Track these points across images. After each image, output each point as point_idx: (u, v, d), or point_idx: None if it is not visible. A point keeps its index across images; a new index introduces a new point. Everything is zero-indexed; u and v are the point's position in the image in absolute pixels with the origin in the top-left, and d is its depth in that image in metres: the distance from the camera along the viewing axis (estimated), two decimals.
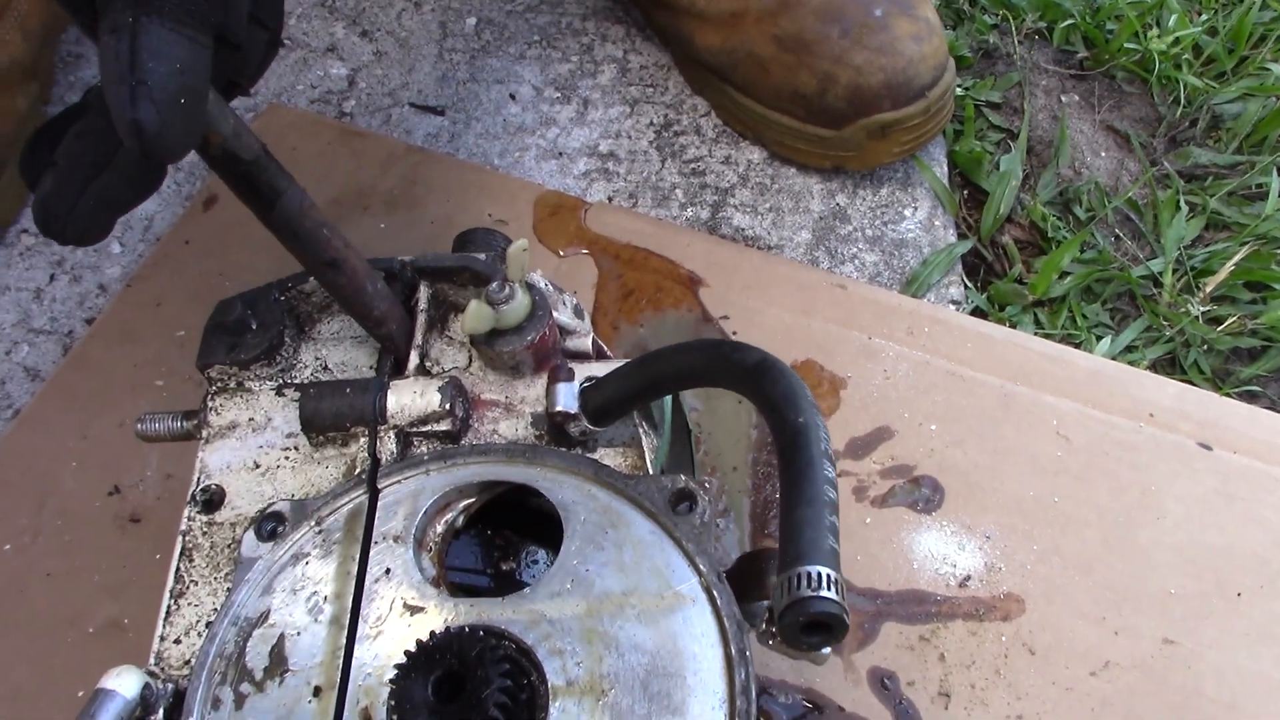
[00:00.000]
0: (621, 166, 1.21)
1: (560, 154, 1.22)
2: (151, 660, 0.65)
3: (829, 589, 0.46)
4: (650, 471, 0.67)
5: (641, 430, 0.68)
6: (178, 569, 0.68)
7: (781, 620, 0.47)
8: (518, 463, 0.66)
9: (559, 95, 1.27)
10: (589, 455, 0.68)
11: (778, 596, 0.47)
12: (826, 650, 0.50)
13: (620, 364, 0.67)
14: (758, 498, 0.96)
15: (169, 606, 0.67)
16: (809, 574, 0.46)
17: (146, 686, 0.60)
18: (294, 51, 1.33)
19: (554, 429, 0.68)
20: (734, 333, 1.04)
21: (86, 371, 1.07)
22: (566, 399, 0.66)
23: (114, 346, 1.08)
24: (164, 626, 0.67)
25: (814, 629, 0.47)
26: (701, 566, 0.61)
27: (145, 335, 1.08)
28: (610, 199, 1.18)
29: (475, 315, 0.66)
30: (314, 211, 0.64)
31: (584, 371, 0.69)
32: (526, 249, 0.67)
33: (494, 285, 0.67)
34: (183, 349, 1.06)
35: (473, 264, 0.73)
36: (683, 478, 0.64)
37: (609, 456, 0.68)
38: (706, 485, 0.62)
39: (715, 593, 0.60)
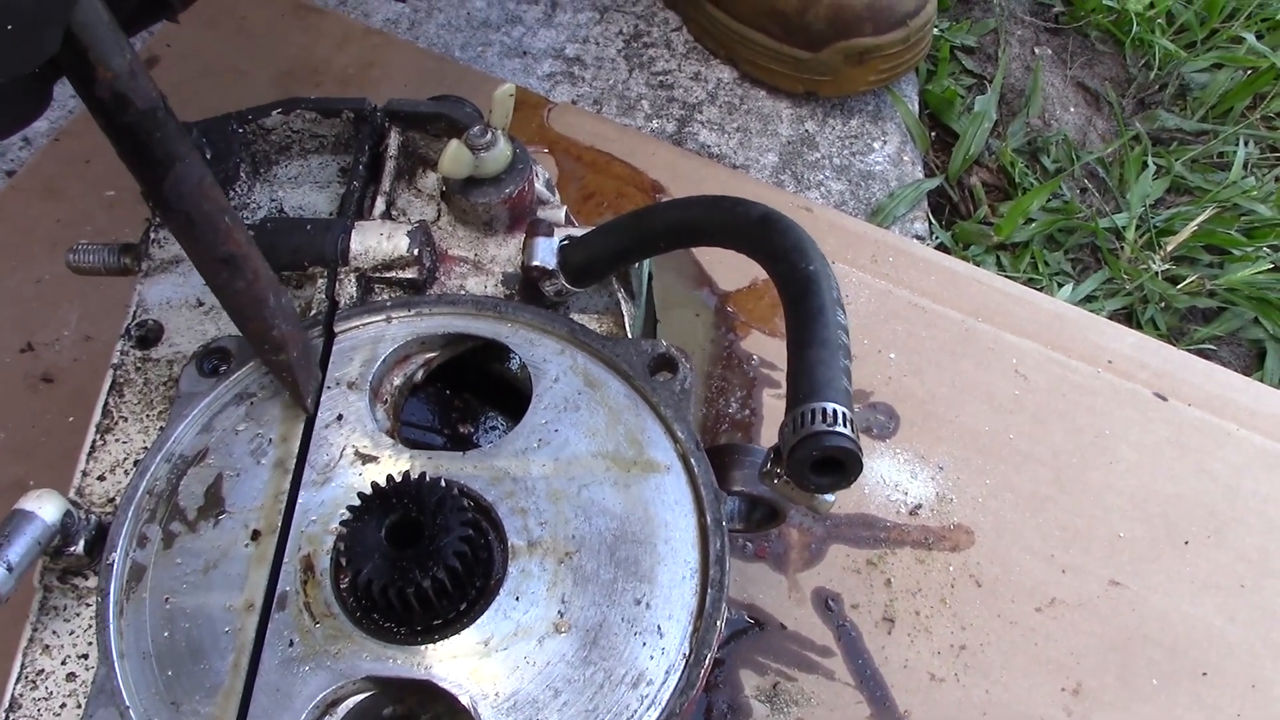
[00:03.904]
0: (587, 72, 1.16)
1: (525, 53, 1.17)
2: (72, 494, 0.60)
3: (844, 425, 0.42)
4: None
5: (620, 297, 0.64)
6: (106, 404, 0.63)
7: (793, 456, 0.43)
8: (487, 317, 0.62)
9: None
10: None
11: (787, 433, 0.44)
12: (832, 498, 0.47)
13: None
14: (709, 410, 0.92)
15: (94, 441, 0.62)
16: (823, 410, 0.43)
17: (68, 514, 0.55)
18: None
19: (528, 287, 0.64)
20: None
21: (4, 225, 1.00)
22: (545, 254, 0.62)
23: (35, 202, 1.01)
24: (87, 462, 0.61)
25: (825, 467, 0.43)
26: (679, 434, 0.58)
27: (70, 192, 1.01)
28: (574, 103, 1.13)
29: (454, 157, 0.62)
30: (215, 193, 0.52)
31: (563, 234, 0.65)
32: (513, 94, 0.63)
33: (476, 129, 0.63)
34: (111, 210, 1.00)
35: (451, 112, 0.68)
36: (664, 343, 0.60)
37: (585, 323, 0.64)
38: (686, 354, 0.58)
39: (692, 460, 0.57)
